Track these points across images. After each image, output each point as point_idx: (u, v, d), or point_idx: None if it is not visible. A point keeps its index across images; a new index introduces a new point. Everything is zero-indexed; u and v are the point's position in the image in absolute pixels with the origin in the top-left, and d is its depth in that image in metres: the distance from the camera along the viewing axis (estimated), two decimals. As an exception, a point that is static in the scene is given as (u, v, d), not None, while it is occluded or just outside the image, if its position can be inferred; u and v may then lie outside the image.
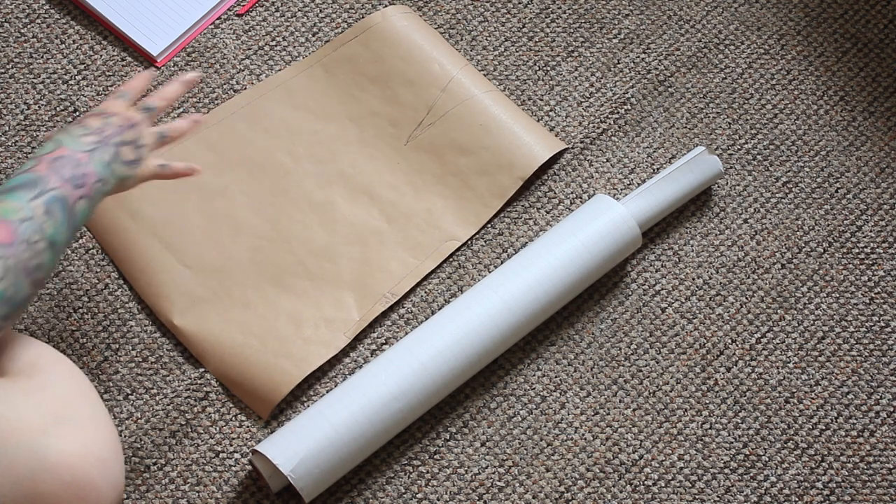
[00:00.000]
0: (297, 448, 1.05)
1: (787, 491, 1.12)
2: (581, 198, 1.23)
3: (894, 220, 1.25)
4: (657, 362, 1.17)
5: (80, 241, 1.18)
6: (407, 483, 1.11)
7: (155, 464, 1.10)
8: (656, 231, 1.23)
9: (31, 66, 1.26)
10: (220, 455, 1.11)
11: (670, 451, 1.14)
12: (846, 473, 1.14)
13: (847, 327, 1.20)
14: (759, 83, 1.30)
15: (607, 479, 1.12)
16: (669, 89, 1.29)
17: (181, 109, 1.25)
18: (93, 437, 0.92)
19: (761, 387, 1.17)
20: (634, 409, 1.15)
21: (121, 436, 1.11)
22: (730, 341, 1.18)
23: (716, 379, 1.17)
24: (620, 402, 1.15)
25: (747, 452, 1.14)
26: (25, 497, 0.87)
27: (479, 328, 1.11)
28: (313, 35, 1.30)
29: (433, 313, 1.17)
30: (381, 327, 1.17)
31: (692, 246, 1.22)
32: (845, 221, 1.24)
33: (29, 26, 1.28)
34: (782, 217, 1.24)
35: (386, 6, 1.31)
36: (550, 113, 1.27)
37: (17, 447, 0.88)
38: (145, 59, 1.27)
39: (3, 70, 1.26)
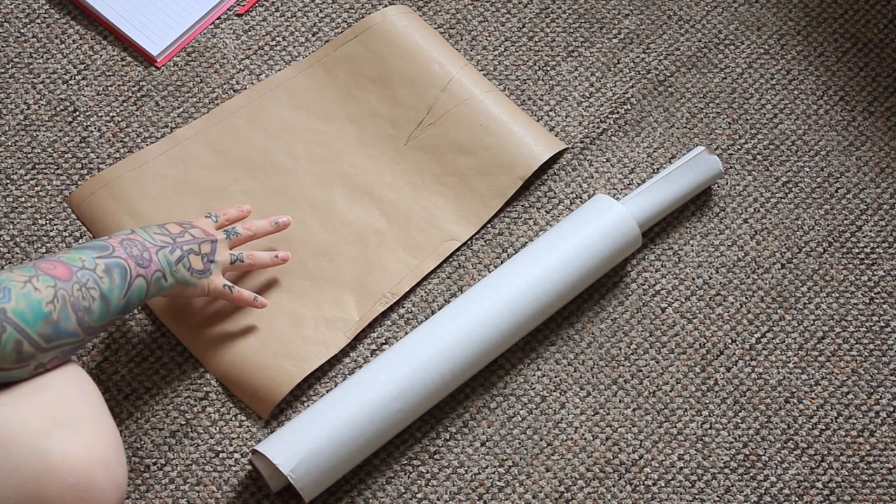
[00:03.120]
0: (297, 448, 1.05)
1: (787, 491, 1.13)
2: (581, 198, 1.24)
3: (894, 220, 1.25)
4: (657, 362, 1.17)
5: (80, 241, 1.19)
6: (407, 483, 1.11)
7: (155, 464, 1.10)
8: (656, 231, 1.23)
9: (31, 66, 1.26)
10: (220, 455, 1.11)
11: (670, 451, 1.14)
12: (846, 473, 1.14)
13: (847, 327, 1.20)
14: (759, 83, 1.30)
15: (607, 479, 1.12)
16: (669, 89, 1.29)
17: (181, 109, 1.25)
18: (95, 439, 0.92)
19: (761, 387, 1.17)
20: (634, 409, 1.15)
21: (121, 436, 1.10)
22: (730, 341, 1.18)
23: (716, 379, 1.17)
24: (620, 402, 1.15)
25: (747, 452, 1.14)
26: (29, 499, 0.87)
27: (479, 328, 1.11)
28: (313, 35, 1.30)
29: (433, 313, 1.17)
30: (381, 327, 1.17)
31: (692, 246, 1.22)
32: (845, 221, 1.24)
33: (29, 26, 1.28)
34: (782, 217, 1.24)
35: (386, 6, 1.31)
36: (550, 113, 1.27)
37: (21, 449, 0.88)
38: (145, 59, 1.27)
39: (3, 70, 1.26)
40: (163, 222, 1.09)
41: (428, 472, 1.12)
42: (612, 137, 1.27)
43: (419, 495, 1.11)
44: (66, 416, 0.91)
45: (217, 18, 1.30)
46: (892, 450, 1.15)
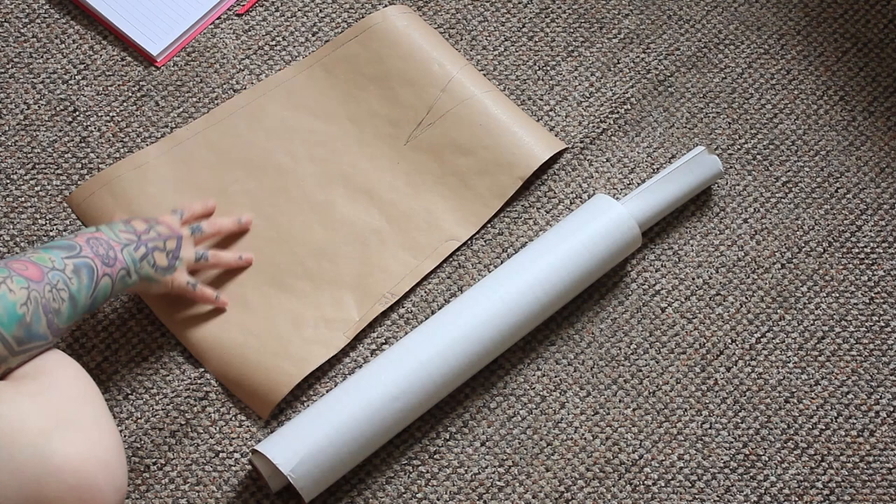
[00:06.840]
0: (297, 448, 1.05)
1: (787, 491, 1.13)
2: (581, 198, 1.24)
3: (894, 220, 1.25)
4: (657, 362, 1.17)
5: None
6: (407, 483, 1.11)
7: (155, 464, 1.10)
8: (656, 231, 1.23)
9: (31, 66, 1.26)
10: (220, 455, 1.11)
11: (670, 451, 1.14)
12: (846, 473, 1.14)
13: (847, 327, 1.20)
14: (759, 83, 1.30)
15: (607, 479, 1.12)
16: (669, 89, 1.29)
17: (181, 109, 1.25)
18: (96, 440, 0.92)
19: (761, 387, 1.17)
20: (634, 409, 1.15)
21: (121, 436, 1.11)
22: (730, 341, 1.18)
23: (716, 379, 1.17)
24: (620, 402, 1.15)
25: (747, 452, 1.14)
26: (30, 500, 0.87)
27: (479, 328, 1.11)
28: (313, 35, 1.30)
29: (433, 313, 1.17)
30: (381, 327, 1.17)
31: (692, 246, 1.22)
32: (845, 221, 1.24)
33: (29, 26, 1.28)
34: (782, 217, 1.24)
35: (386, 6, 1.31)
36: (550, 113, 1.27)
37: (22, 450, 0.88)
38: (145, 59, 1.27)
39: (3, 70, 1.26)
40: (128, 218, 1.09)
41: (428, 472, 1.12)
42: (612, 137, 1.27)
43: (419, 495, 1.11)
44: (68, 416, 0.92)
45: (217, 18, 1.30)
46: (892, 450, 1.15)
